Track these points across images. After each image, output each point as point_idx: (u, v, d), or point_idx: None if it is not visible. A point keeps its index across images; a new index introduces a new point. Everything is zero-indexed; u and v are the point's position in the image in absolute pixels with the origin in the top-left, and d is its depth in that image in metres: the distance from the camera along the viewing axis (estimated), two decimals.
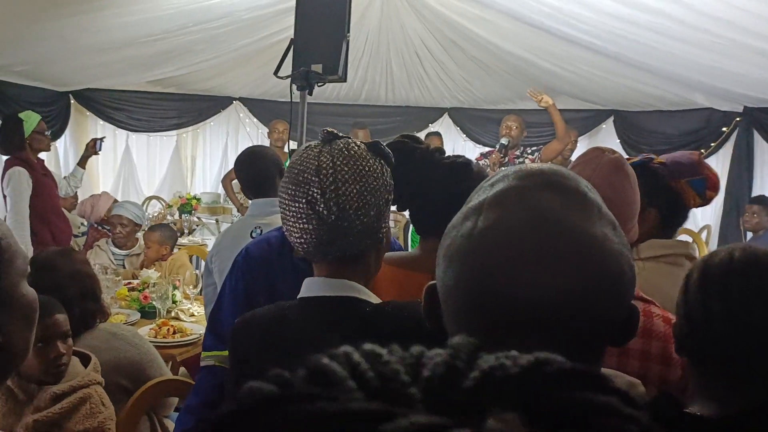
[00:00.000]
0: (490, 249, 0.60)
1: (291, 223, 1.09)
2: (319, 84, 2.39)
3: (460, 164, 1.52)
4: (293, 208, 1.07)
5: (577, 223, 0.60)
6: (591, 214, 0.61)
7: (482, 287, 0.59)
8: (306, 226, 1.06)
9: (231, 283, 1.72)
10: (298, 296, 1.13)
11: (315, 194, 1.04)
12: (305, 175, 1.06)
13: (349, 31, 2.35)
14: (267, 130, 5.85)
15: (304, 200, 1.05)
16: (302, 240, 1.09)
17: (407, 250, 5.52)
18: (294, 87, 2.42)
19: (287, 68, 2.52)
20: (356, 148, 1.09)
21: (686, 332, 1.06)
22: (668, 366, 1.32)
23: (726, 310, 1.00)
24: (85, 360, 1.82)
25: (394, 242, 1.85)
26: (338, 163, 1.05)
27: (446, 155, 1.55)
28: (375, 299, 1.11)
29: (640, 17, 3.74)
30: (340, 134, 1.12)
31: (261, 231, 2.14)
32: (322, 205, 1.04)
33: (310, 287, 1.12)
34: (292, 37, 2.44)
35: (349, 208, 1.04)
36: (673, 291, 1.52)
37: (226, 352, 1.58)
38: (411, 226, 4.33)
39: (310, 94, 2.39)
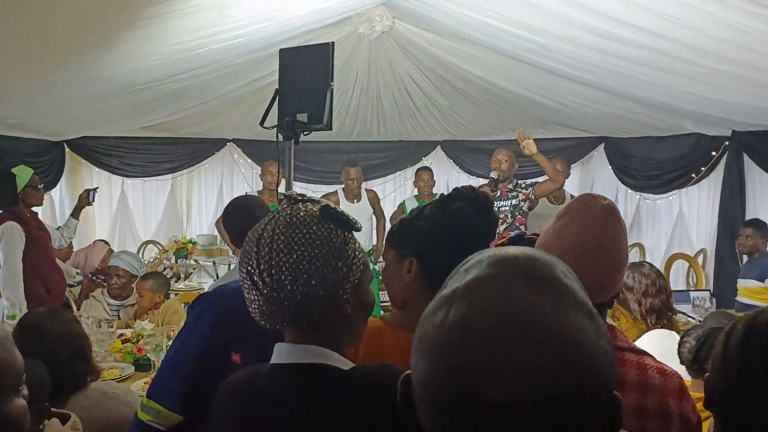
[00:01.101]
0: (458, 345, 0.58)
1: (244, 292, 1.08)
2: (305, 133, 2.41)
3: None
4: (241, 277, 1.07)
5: (549, 318, 0.58)
6: (566, 305, 0.60)
7: (451, 385, 0.58)
8: (248, 296, 1.06)
9: (195, 332, 1.54)
10: (270, 362, 1.10)
11: (253, 264, 1.03)
12: (249, 245, 1.06)
13: (332, 80, 2.38)
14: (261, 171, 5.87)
15: (245, 270, 1.05)
16: (251, 309, 1.07)
17: None
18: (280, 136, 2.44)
19: (274, 115, 2.54)
20: (302, 214, 1.06)
21: (721, 390, 1.01)
22: (667, 421, 1.28)
23: None
24: (66, 420, 1.80)
25: None
26: (277, 232, 1.03)
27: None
28: (347, 365, 1.07)
29: (623, 50, 3.79)
30: (304, 198, 1.11)
31: None
32: (257, 276, 1.02)
33: (280, 353, 1.09)
34: (277, 87, 2.47)
35: (284, 279, 1.01)
36: None
37: (171, 414, 1.51)
38: None
39: (296, 143, 2.41)
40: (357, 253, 1.10)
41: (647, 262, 3.55)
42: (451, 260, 1.40)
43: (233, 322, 1.50)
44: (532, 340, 0.57)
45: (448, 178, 7.57)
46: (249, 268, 1.04)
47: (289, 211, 1.07)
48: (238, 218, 2.35)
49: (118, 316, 3.96)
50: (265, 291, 1.02)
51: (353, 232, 1.12)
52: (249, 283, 1.04)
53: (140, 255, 6.59)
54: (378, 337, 1.44)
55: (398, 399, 0.68)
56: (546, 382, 0.56)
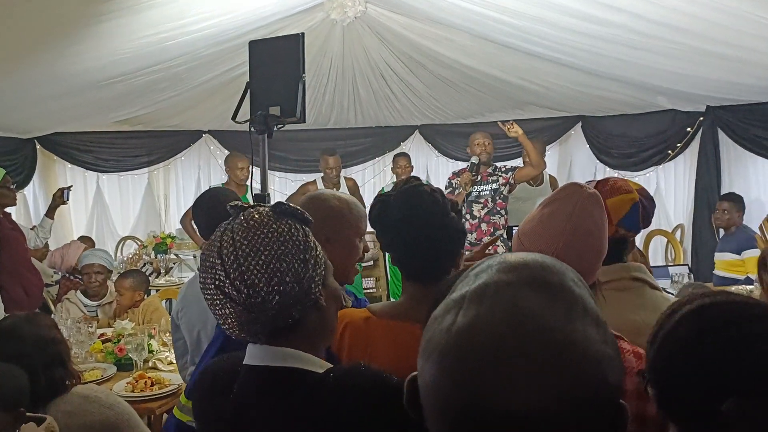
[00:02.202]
0: (465, 351, 0.59)
1: (212, 310, 1.04)
2: (279, 126, 2.37)
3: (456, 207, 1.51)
4: (208, 296, 1.03)
5: (557, 327, 0.58)
6: (575, 313, 0.60)
7: (457, 391, 0.58)
8: (222, 311, 1.02)
9: (218, 329, 1.53)
10: (243, 362, 1.08)
11: (221, 277, 1.00)
12: (210, 260, 1.02)
13: (304, 72, 2.34)
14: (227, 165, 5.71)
15: (213, 286, 1.01)
16: (227, 325, 1.04)
17: (387, 270, 5.50)
18: (253, 130, 2.40)
19: (246, 109, 2.50)
20: (257, 216, 1.04)
21: (651, 376, 1.08)
22: (644, 401, 1.31)
23: (684, 364, 1.01)
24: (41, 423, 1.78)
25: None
26: (237, 238, 1.01)
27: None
28: (321, 366, 1.06)
29: (598, 30, 3.80)
30: (251, 205, 1.08)
31: None
32: (229, 287, 0.99)
33: (253, 355, 1.07)
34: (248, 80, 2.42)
35: (258, 282, 0.99)
36: (621, 316, 1.53)
37: None
38: None
39: (270, 137, 2.37)
40: (317, 244, 1.08)
41: None
42: (390, 247, 1.48)
43: None
44: (539, 347, 0.57)
45: (427, 162, 7.57)
46: (217, 282, 1.00)
47: (242, 217, 1.05)
48: (208, 210, 2.31)
49: (96, 314, 3.91)
50: (241, 299, 0.99)
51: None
52: (221, 297, 1.01)
53: (119, 251, 6.52)
54: (364, 327, 1.45)
55: (404, 400, 0.69)
56: (551, 390, 0.56)
